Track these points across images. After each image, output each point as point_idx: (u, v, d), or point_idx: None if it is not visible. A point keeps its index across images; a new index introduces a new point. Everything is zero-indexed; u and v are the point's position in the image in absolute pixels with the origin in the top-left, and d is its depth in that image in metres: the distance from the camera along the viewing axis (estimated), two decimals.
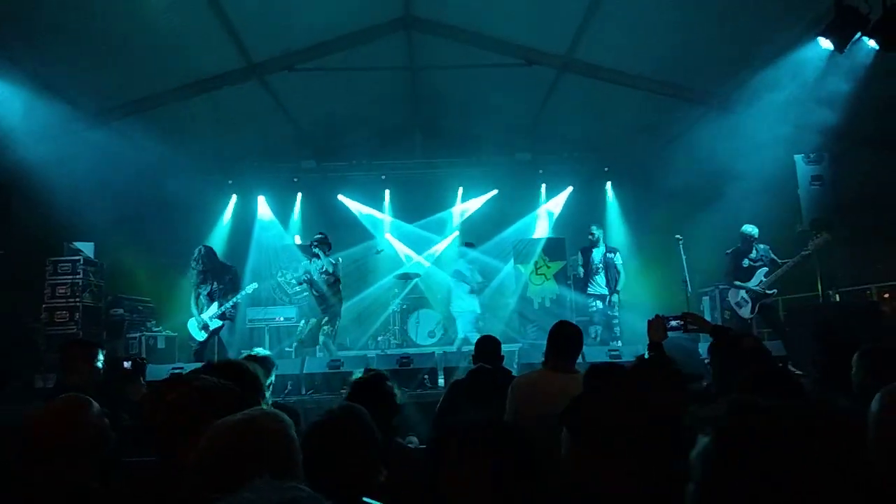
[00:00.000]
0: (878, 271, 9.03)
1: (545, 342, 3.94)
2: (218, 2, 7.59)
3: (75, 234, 9.27)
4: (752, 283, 8.04)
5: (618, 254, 9.45)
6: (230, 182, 12.23)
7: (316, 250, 8.77)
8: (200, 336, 8.20)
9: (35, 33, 7.06)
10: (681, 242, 8.62)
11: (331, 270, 8.70)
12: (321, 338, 8.64)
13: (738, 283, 8.16)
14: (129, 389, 4.16)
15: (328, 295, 8.72)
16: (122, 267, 9.81)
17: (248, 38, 8.55)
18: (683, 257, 8.60)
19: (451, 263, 11.96)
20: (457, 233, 12.90)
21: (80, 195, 8.15)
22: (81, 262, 8.98)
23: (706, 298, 10.28)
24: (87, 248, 9.37)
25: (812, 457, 1.09)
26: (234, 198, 12.32)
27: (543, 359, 3.92)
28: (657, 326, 3.92)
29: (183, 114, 9.43)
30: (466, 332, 9.70)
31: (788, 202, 8.34)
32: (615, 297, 9.27)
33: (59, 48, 7.42)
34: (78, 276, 8.87)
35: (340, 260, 9.65)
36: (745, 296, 8.08)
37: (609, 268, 9.28)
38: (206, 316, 8.19)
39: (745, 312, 8.08)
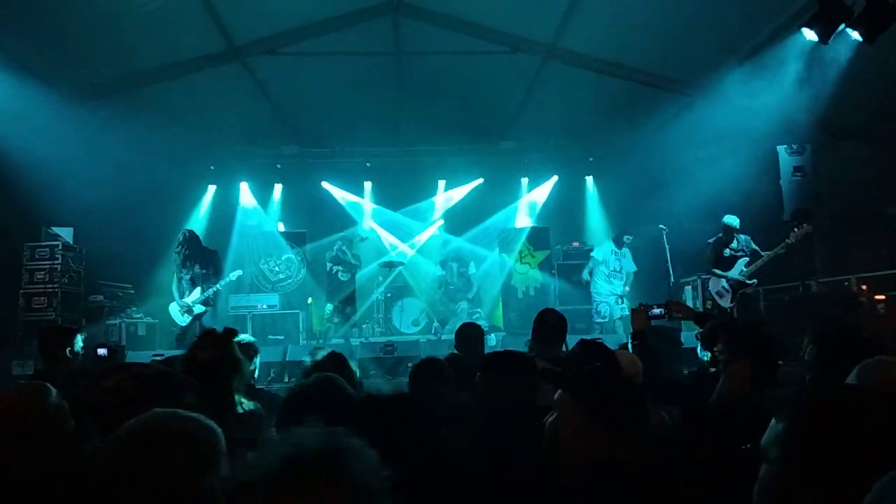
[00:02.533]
0: (857, 262, 9.15)
1: (529, 330, 3.94)
2: None
3: (54, 219, 9.12)
4: (733, 273, 8.09)
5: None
6: (212, 168, 12.07)
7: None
8: (183, 321, 8.14)
9: (10, 12, 6.89)
10: (664, 232, 8.67)
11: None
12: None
13: (718, 272, 8.22)
14: None
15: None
16: (102, 252, 9.66)
17: (230, 20, 8.41)
18: (667, 247, 8.66)
19: (435, 251, 11.97)
20: (441, 221, 12.87)
21: (59, 179, 8.01)
22: (60, 247, 8.85)
23: (688, 288, 10.37)
24: (66, 233, 9.23)
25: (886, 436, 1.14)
26: (212, 187, 12.13)
27: (527, 348, 3.92)
28: (640, 315, 3.89)
29: (163, 97, 9.27)
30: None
31: (770, 192, 8.41)
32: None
33: (36, 28, 7.25)
34: (56, 262, 8.74)
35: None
36: (726, 285, 8.14)
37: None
38: (189, 300, 8.12)
39: (726, 302, 8.16)
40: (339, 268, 9.67)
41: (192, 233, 8.49)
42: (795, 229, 7.60)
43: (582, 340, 3.41)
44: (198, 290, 8.17)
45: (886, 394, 1.28)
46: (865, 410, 1.20)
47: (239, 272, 8.79)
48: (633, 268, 9.75)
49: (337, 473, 0.98)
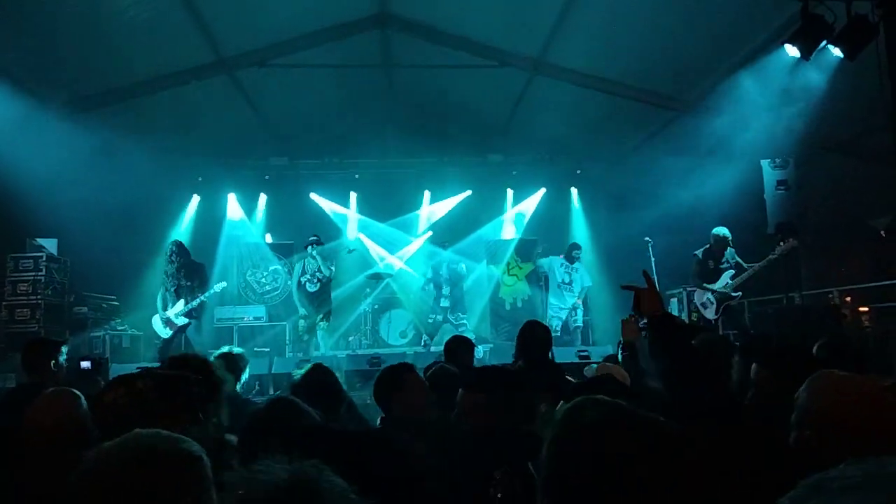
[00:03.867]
0: (841, 275, 9.25)
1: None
2: None
3: (38, 231, 9.04)
4: (718, 286, 8.15)
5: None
6: (199, 179, 12.02)
7: (313, 251, 9.25)
8: (165, 333, 8.09)
9: None
10: (650, 245, 8.73)
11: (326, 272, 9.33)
12: (319, 332, 9.21)
13: (705, 284, 8.28)
14: (89, 389, 4.07)
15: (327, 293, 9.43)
16: (87, 264, 9.58)
17: (219, 33, 8.42)
18: (652, 260, 8.71)
19: (422, 263, 11.94)
20: (429, 233, 12.87)
21: (44, 190, 7.95)
22: (44, 258, 8.77)
23: (674, 300, 10.41)
24: (50, 244, 9.14)
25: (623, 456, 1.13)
26: (196, 197, 12.05)
27: (512, 360, 3.93)
28: (631, 326, 3.75)
29: (151, 109, 9.25)
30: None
31: (755, 206, 8.49)
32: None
33: (22, 37, 7.22)
34: (40, 273, 8.65)
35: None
36: (711, 297, 8.19)
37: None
38: (171, 313, 8.08)
39: (710, 313, 8.18)
40: (306, 277, 9.43)
41: (179, 243, 8.47)
42: (781, 243, 7.62)
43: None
44: (181, 301, 8.13)
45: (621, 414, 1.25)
46: (600, 430, 1.19)
47: (223, 284, 8.76)
48: (588, 282, 10.11)
49: None
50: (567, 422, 1.22)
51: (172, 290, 8.19)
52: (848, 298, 8.85)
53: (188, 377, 2.21)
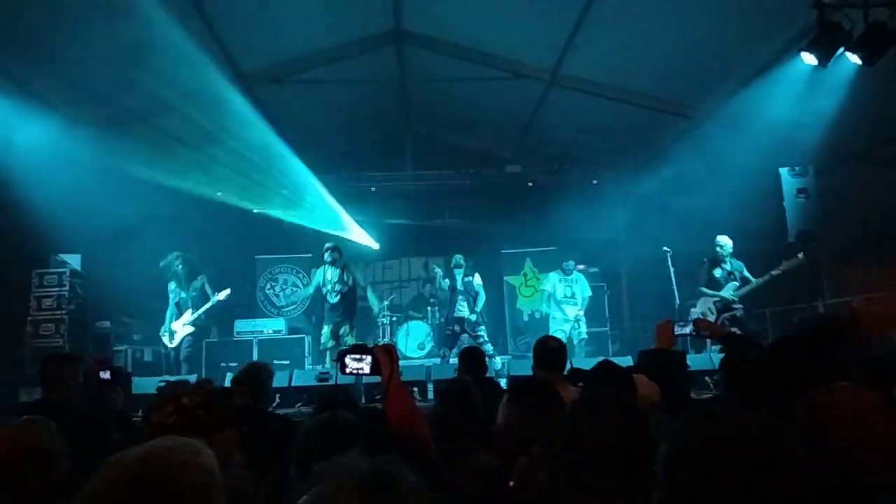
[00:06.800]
0: (864, 283, 9.11)
1: None
2: (205, 12, 7.60)
3: (62, 246, 9.19)
4: (725, 293, 8.25)
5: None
6: (219, 194, 12.15)
7: (332, 261, 9.12)
8: (171, 344, 8.40)
9: (22, 44, 7.03)
10: (668, 254, 8.70)
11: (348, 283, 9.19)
12: (343, 343, 8.85)
13: (708, 291, 8.37)
14: (112, 402, 4.13)
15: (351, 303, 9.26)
16: (109, 279, 9.71)
17: (237, 51, 8.55)
18: (672, 269, 8.67)
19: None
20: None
21: (67, 206, 8.10)
22: (68, 273, 8.91)
23: (694, 309, 10.32)
24: (73, 259, 9.29)
25: (764, 464, 1.10)
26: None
27: (532, 371, 3.93)
28: (666, 332, 3.63)
29: (171, 126, 9.39)
30: None
31: (773, 215, 8.42)
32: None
33: (46, 58, 7.39)
34: (64, 288, 8.78)
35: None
36: (712, 307, 8.29)
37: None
38: (178, 324, 8.37)
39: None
40: (327, 289, 9.23)
41: (182, 255, 8.70)
42: (787, 259, 7.74)
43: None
44: (188, 312, 8.38)
45: (773, 424, 1.21)
46: (743, 439, 1.14)
47: (227, 291, 8.79)
48: (588, 292, 9.97)
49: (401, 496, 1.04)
50: (699, 435, 1.19)
51: (175, 302, 8.46)
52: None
53: (231, 390, 2.22)
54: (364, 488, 1.02)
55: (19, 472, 1.97)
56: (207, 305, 8.56)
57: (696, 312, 8.38)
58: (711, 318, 8.15)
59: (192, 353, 8.62)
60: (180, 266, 8.60)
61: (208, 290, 8.75)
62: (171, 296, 8.64)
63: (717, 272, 8.33)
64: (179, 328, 8.50)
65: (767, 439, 1.14)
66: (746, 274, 8.24)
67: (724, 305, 8.16)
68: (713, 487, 1.11)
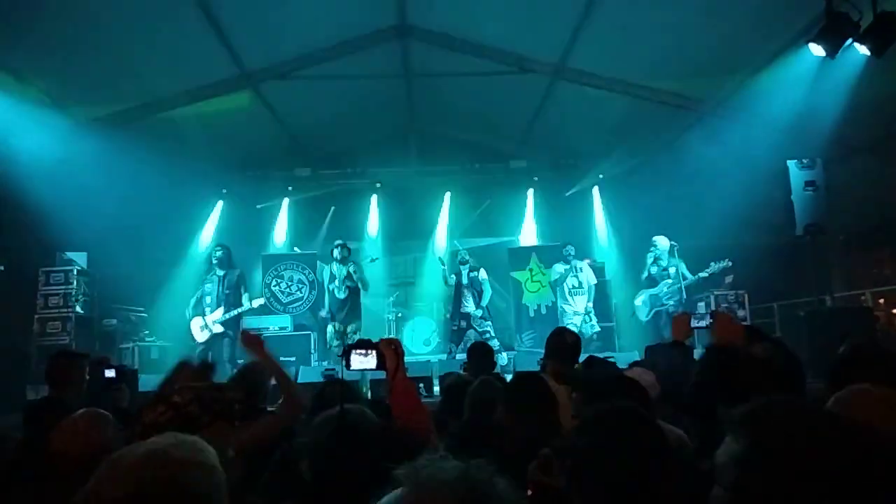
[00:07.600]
0: (873, 276, 9.06)
1: (542, 349, 3.91)
2: (211, 11, 7.58)
3: (68, 244, 9.20)
4: (654, 290, 9.13)
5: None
6: (224, 191, 12.16)
7: (340, 257, 9.10)
8: (202, 337, 8.28)
9: (27, 42, 7.03)
10: (675, 249, 8.66)
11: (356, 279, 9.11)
12: (348, 340, 8.81)
13: (644, 288, 9.34)
14: (116, 400, 4.13)
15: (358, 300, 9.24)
16: (116, 277, 9.73)
17: (241, 47, 8.54)
18: (679, 263, 8.63)
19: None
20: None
21: (73, 205, 8.10)
22: (74, 272, 8.91)
23: (701, 304, 10.28)
24: (79, 258, 9.29)
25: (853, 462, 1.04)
26: (220, 204, 12.15)
27: (540, 367, 3.90)
28: (683, 324, 3.59)
29: (176, 123, 9.39)
30: None
31: (781, 207, 8.36)
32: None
33: (52, 56, 7.40)
34: (70, 286, 8.78)
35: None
36: (647, 300, 9.16)
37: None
38: (210, 319, 8.26)
39: (642, 315, 9.33)
40: (335, 284, 9.16)
41: (228, 250, 8.70)
42: (713, 263, 8.59)
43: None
44: (220, 309, 8.28)
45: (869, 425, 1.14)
46: (840, 437, 1.07)
47: (261, 301, 8.84)
48: (594, 280, 9.86)
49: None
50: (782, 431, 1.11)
51: (213, 295, 8.34)
52: (881, 300, 8.66)
53: (221, 386, 2.20)
54: (460, 499, 0.95)
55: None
56: (241, 309, 8.52)
57: (634, 303, 9.39)
58: (644, 310, 9.20)
59: (232, 355, 8.50)
60: (220, 253, 8.57)
61: (243, 288, 8.75)
62: (208, 286, 8.56)
63: (654, 269, 9.10)
64: (211, 324, 8.43)
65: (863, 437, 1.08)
66: (684, 272, 8.83)
67: (656, 300, 9.01)
68: (805, 489, 1.03)
